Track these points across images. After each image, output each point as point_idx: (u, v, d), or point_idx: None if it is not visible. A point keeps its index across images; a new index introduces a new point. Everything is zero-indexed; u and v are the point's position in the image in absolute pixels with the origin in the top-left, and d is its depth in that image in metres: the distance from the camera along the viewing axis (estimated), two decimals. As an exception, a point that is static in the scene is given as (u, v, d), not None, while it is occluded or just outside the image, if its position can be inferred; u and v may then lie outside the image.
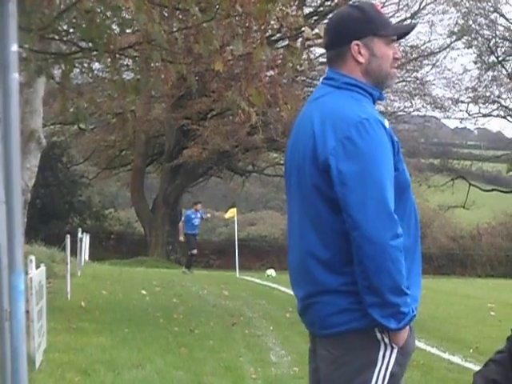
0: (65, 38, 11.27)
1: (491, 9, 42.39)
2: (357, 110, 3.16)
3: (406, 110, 40.75)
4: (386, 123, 3.19)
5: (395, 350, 3.16)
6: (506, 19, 42.88)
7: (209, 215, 26.80)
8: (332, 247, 3.14)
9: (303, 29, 10.53)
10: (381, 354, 3.15)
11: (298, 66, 12.11)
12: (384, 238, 3.01)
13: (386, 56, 3.33)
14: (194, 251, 26.04)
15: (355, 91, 3.27)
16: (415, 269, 3.24)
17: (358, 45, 3.28)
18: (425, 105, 40.80)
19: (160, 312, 12.87)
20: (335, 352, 3.19)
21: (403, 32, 3.52)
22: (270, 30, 12.51)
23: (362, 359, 3.15)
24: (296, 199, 3.29)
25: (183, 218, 27.00)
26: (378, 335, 3.14)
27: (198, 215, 26.03)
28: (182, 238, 26.70)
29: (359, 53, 3.28)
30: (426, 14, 39.78)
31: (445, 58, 42.19)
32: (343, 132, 3.10)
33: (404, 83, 39.31)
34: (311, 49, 30.53)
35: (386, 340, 3.14)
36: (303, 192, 3.23)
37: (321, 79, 3.45)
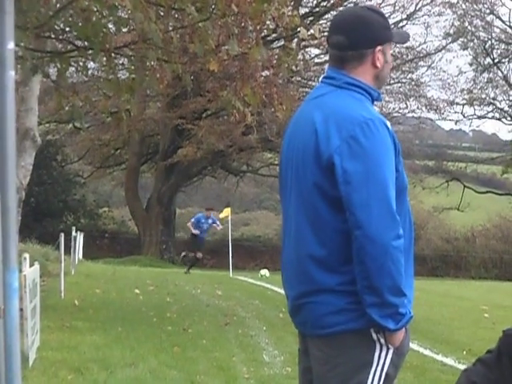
0: (61, 37, 11.28)
1: (487, 11, 42.44)
2: (360, 109, 3.18)
3: (400, 111, 40.89)
4: (389, 124, 3.21)
5: (391, 351, 3.16)
6: (502, 21, 42.98)
7: (220, 227, 26.90)
8: (330, 246, 3.14)
9: (299, 29, 10.54)
10: (376, 354, 3.15)
11: (294, 67, 12.13)
12: (386, 238, 3.01)
13: (391, 62, 3.41)
14: (199, 255, 25.99)
15: (356, 91, 3.28)
16: (408, 270, 3.24)
17: (379, 50, 3.31)
18: (420, 106, 40.93)
19: (153, 311, 12.86)
20: (330, 352, 3.18)
21: (406, 40, 3.61)
22: (265, 30, 12.54)
23: (358, 360, 3.15)
24: (293, 197, 3.28)
25: (192, 220, 26.67)
26: (374, 335, 3.14)
27: (210, 221, 26.02)
28: (195, 232, 26.22)
29: (378, 58, 3.32)
30: (422, 16, 39.95)
31: (440, 59, 42.51)
32: (348, 131, 3.10)
33: (399, 84, 39.41)
34: (307, 49, 30.69)
35: (382, 340, 3.14)
36: (302, 190, 3.22)
37: (320, 78, 3.46)
